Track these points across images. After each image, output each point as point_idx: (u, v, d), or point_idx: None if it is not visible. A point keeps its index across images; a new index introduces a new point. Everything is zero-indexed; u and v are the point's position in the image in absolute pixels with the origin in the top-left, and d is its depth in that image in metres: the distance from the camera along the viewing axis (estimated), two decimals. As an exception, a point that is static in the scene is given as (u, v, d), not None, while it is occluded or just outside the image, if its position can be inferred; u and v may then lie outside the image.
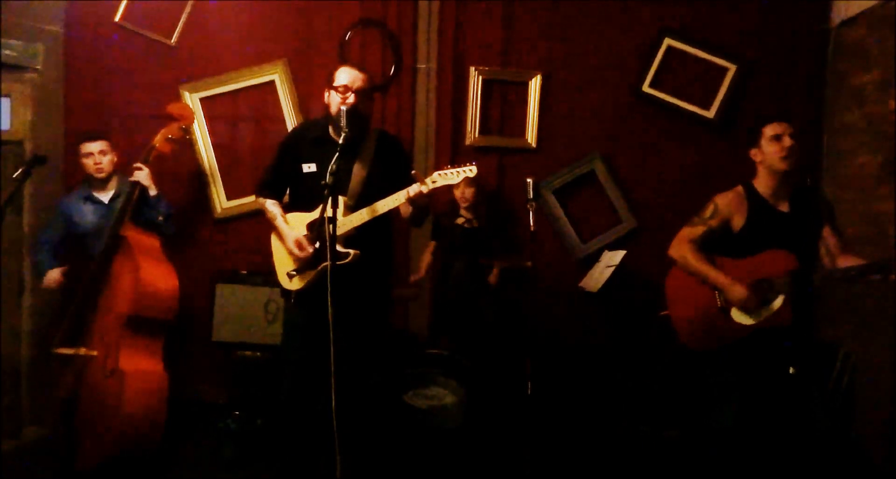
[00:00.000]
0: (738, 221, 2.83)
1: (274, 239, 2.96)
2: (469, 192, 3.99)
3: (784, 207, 2.84)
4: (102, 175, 3.67)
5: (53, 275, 3.64)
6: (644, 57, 4.24)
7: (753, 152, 2.86)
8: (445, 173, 2.67)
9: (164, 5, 4.27)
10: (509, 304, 4.00)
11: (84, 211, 3.66)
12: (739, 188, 2.88)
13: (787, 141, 2.76)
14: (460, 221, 4.06)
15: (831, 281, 2.77)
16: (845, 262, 2.74)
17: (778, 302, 2.70)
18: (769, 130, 2.80)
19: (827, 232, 2.82)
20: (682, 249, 2.87)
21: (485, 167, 4.19)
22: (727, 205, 2.85)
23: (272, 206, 2.97)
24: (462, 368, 3.67)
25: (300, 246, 2.79)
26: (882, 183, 3.56)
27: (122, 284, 3.35)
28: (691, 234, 2.87)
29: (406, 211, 2.85)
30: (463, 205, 4.03)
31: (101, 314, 3.36)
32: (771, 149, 2.78)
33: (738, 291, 2.73)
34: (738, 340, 2.78)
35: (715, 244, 2.85)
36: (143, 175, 3.60)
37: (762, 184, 2.86)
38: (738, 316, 2.78)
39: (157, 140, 3.72)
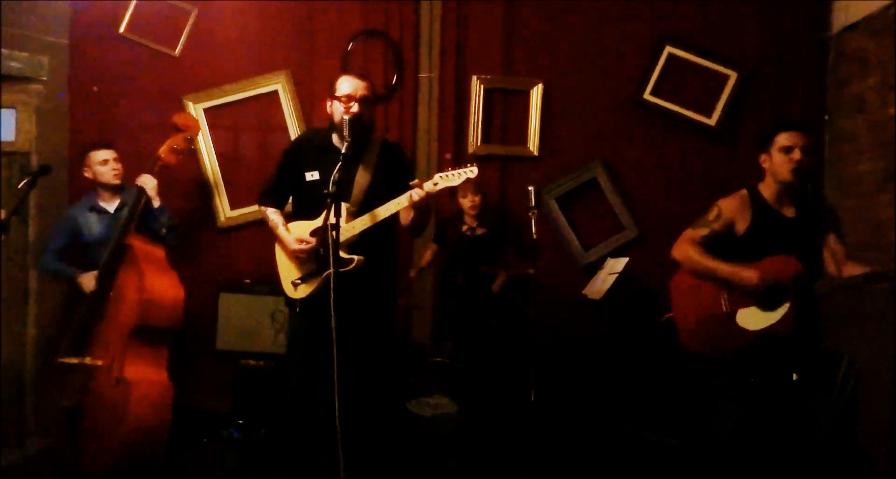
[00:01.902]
0: (741, 225, 2.82)
1: (278, 248, 2.97)
2: (477, 199, 4.01)
3: (789, 213, 2.83)
4: (119, 181, 3.69)
5: (92, 283, 3.48)
6: (645, 65, 4.26)
7: (762, 158, 2.84)
8: (446, 175, 2.68)
9: (167, 17, 4.30)
10: (512, 311, 4.01)
11: (90, 221, 3.67)
12: (744, 192, 2.87)
13: (797, 154, 2.73)
14: (464, 228, 4.07)
15: (835, 290, 2.75)
16: (849, 270, 2.73)
17: (783, 307, 2.70)
18: (781, 139, 2.77)
19: (832, 239, 2.80)
20: (685, 249, 2.87)
21: (487, 175, 4.21)
22: (730, 209, 2.84)
23: (273, 214, 2.99)
24: (465, 375, 3.67)
25: (301, 241, 2.80)
26: (883, 190, 3.57)
27: (128, 293, 3.36)
28: (694, 235, 2.87)
29: (406, 218, 2.86)
30: (472, 213, 4.04)
31: (106, 323, 3.37)
32: (779, 159, 2.76)
33: (748, 274, 2.70)
34: (741, 347, 2.78)
35: (719, 249, 2.84)
36: (149, 183, 3.62)
37: (767, 189, 2.84)
38: (742, 321, 2.77)
39: (163, 151, 3.72)
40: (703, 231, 2.86)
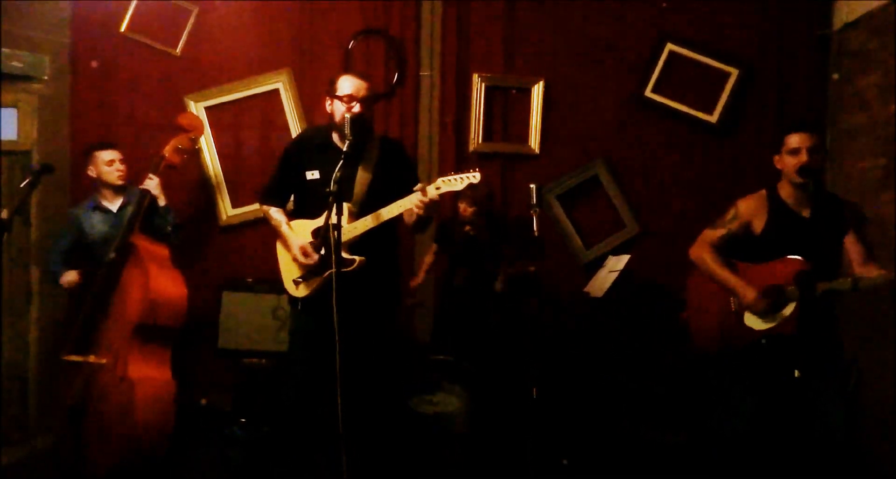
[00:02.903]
0: (758, 225, 2.84)
1: (279, 246, 2.98)
2: (470, 211, 3.98)
3: (806, 213, 2.82)
4: (123, 182, 3.70)
5: (71, 276, 3.62)
6: (646, 62, 4.26)
7: (776, 159, 2.85)
8: (449, 180, 2.67)
9: (169, 16, 4.30)
10: (513, 309, 4.01)
11: (93, 220, 3.68)
12: (763, 192, 2.89)
13: (804, 155, 2.74)
14: (467, 228, 4.07)
15: (828, 293, 2.72)
16: (864, 272, 2.72)
17: (788, 310, 2.71)
18: (790, 141, 2.78)
19: (849, 240, 2.79)
20: (701, 250, 2.90)
21: (488, 173, 4.19)
22: (748, 209, 2.86)
23: (276, 213, 2.99)
24: (467, 374, 3.67)
25: (305, 253, 2.81)
26: (885, 187, 3.56)
27: (132, 291, 3.37)
28: (711, 236, 2.90)
29: (409, 219, 2.86)
30: (464, 221, 4.04)
31: (110, 322, 3.37)
32: (788, 161, 2.78)
33: (748, 293, 2.75)
34: (747, 345, 2.79)
35: (737, 247, 2.86)
36: (153, 184, 3.63)
37: (784, 189, 2.85)
38: (749, 321, 2.80)
39: (167, 150, 3.72)
40: (721, 232, 2.88)
